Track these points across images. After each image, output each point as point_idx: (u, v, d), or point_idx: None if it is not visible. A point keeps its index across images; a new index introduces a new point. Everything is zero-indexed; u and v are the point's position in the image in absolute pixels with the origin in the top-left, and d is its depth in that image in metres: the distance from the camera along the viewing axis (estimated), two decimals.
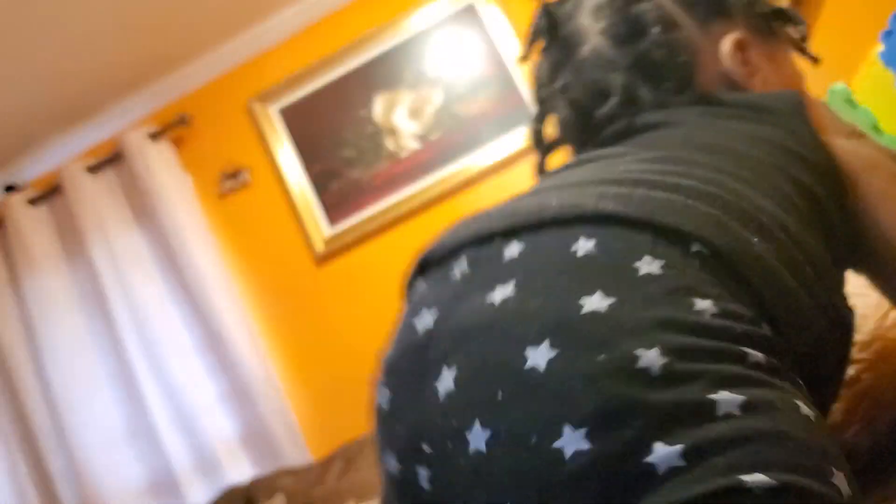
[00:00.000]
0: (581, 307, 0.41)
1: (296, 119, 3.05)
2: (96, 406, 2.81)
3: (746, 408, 0.38)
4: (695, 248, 0.44)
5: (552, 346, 0.40)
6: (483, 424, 0.40)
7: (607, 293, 0.41)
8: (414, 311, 0.50)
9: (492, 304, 0.45)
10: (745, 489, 0.36)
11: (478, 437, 0.40)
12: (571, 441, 0.37)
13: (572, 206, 0.46)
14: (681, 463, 0.37)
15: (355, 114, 3.02)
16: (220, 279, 2.88)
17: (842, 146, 0.59)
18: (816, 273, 0.49)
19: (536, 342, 0.40)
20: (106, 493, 2.67)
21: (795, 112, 0.60)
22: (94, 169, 3.06)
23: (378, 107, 3.01)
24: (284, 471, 2.53)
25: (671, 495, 0.36)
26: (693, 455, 0.37)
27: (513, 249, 0.47)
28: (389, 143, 2.98)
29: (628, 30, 0.72)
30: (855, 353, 0.66)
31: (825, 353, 0.49)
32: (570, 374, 0.39)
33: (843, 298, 0.54)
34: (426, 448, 0.44)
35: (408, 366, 0.48)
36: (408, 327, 0.50)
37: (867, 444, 0.67)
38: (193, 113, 3.10)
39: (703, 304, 0.42)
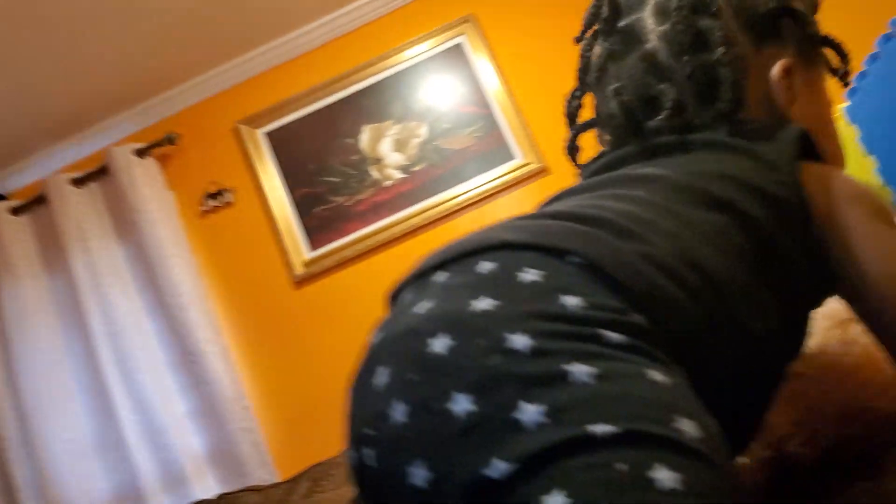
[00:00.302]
0: (471, 307, 0.53)
1: (282, 143, 3.11)
2: (67, 417, 2.80)
3: (598, 377, 0.48)
4: (571, 259, 0.55)
5: (450, 337, 0.51)
6: (401, 401, 0.52)
7: (492, 297, 0.53)
8: (374, 333, 0.63)
9: (414, 314, 0.57)
10: (592, 436, 0.45)
11: (398, 411, 0.51)
12: (462, 403, 0.49)
13: (486, 239, 0.59)
14: (543, 419, 0.47)
15: (342, 141, 3.09)
16: (197, 296, 2.91)
17: (825, 181, 0.65)
18: (709, 284, 0.57)
19: (438, 335, 0.52)
20: None
21: (783, 151, 0.65)
22: (79, 182, 3.08)
23: (365, 136, 3.08)
24: (251, 488, 2.54)
25: (533, 442, 0.46)
26: (552, 412, 0.47)
27: (440, 277, 0.60)
28: (374, 172, 3.05)
29: (692, 41, 0.72)
30: (801, 366, 0.71)
31: (712, 343, 0.57)
32: (461, 355, 0.51)
33: (766, 317, 0.59)
34: (368, 431, 0.54)
35: (362, 374, 0.59)
36: (368, 346, 0.62)
37: (812, 457, 0.71)
38: (181, 132, 3.15)
39: (572, 300, 0.53)
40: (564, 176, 2.96)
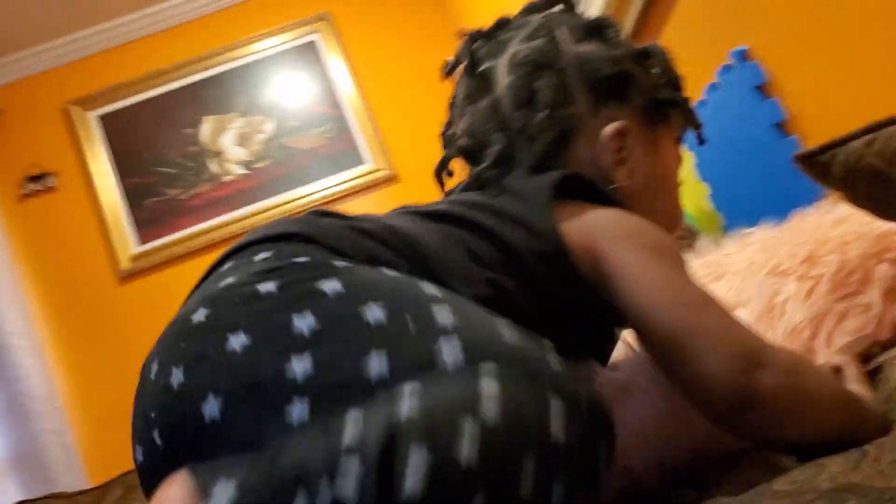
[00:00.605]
0: (224, 281, 0.58)
1: (116, 128, 2.93)
2: None
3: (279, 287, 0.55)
4: (295, 238, 0.62)
5: (203, 306, 0.56)
6: (172, 364, 0.54)
7: (234, 275, 0.58)
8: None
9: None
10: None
11: (177, 376, 0.53)
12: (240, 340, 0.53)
13: (265, 230, 0.65)
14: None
15: (181, 131, 2.94)
16: (10, 286, 2.70)
17: (583, 218, 0.68)
18: (413, 249, 0.63)
19: (199, 307, 0.56)
20: None
21: (541, 199, 0.70)
22: None
23: (206, 127, 2.95)
24: (56, 494, 2.36)
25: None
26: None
27: (227, 264, 0.64)
28: (213, 166, 2.92)
29: (528, 97, 0.78)
30: (641, 389, 0.71)
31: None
32: (213, 320, 0.54)
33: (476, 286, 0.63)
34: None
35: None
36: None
37: (659, 482, 0.71)
38: (3, 107, 2.92)
39: (301, 259, 0.58)
40: (415, 185, 2.94)
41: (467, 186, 0.82)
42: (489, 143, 0.80)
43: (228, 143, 2.94)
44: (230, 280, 0.57)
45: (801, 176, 1.27)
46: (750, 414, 0.55)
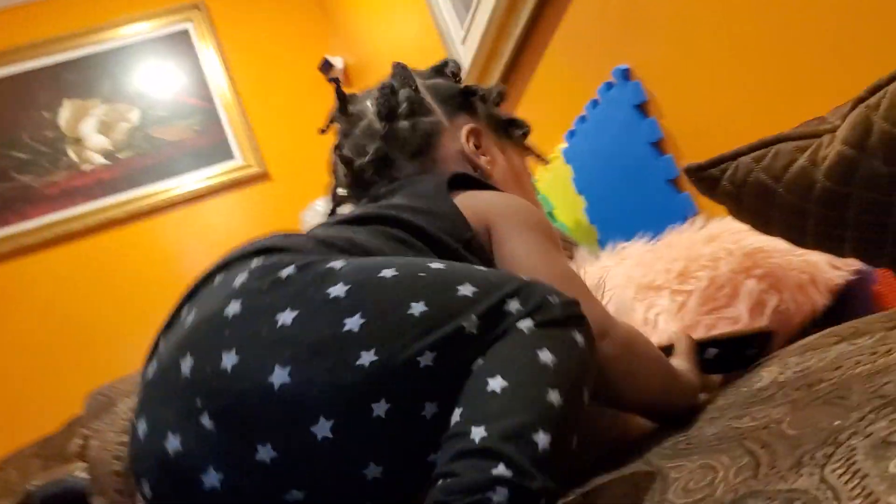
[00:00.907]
0: (237, 281, 0.62)
1: None
2: None
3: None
4: (273, 252, 0.66)
5: (233, 299, 0.60)
6: (220, 351, 0.57)
7: (240, 277, 0.62)
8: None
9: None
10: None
11: (228, 360, 0.57)
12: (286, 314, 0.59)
13: (240, 250, 0.68)
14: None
15: (37, 114, 2.76)
16: None
17: (475, 202, 0.82)
18: (355, 245, 0.71)
19: (229, 301, 0.60)
20: None
21: (439, 191, 0.84)
22: None
23: (65, 112, 2.78)
24: None
25: None
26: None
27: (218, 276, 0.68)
28: (72, 154, 2.75)
29: (389, 111, 0.95)
30: None
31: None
32: (252, 307, 0.59)
33: None
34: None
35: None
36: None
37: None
38: None
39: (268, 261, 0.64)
40: (285, 183, 2.88)
41: (356, 183, 0.96)
42: (366, 152, 0.95)
43: (89, 130, 2.78)
44: (242, 279, 0.61)
45: (673, 193, 1.33)
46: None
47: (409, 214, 0.78)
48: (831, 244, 0.67)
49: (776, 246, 0.99)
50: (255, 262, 0.64)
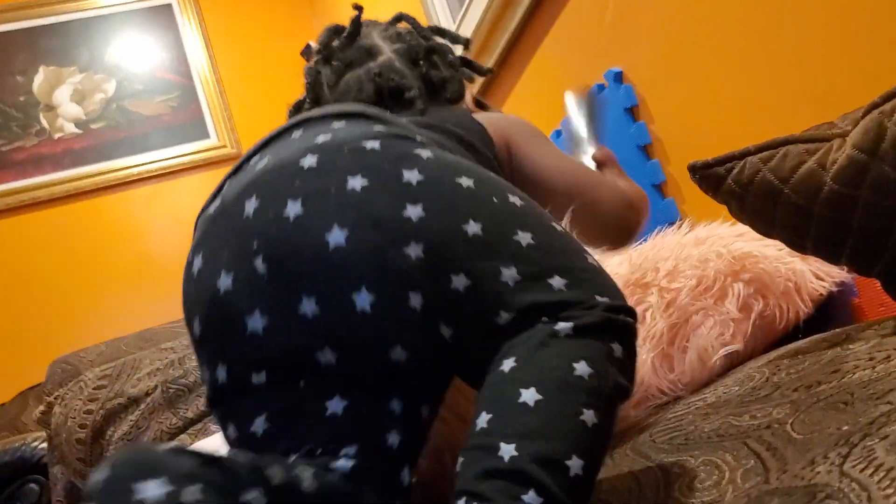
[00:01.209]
0: (319, 138, 0.64)
1: None
2: None
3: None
4: (362, 117, 0.70)
5: (311, 153, 0.61)
6: (286, 198, 0.60)
7: (322, 135, 0.65)
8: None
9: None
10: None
11: (293, 209, 0.60)
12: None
13: (330, 108, 0.72)
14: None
15: (11, 78, 2.69)
16: None
17: (495, 120, 0.93)
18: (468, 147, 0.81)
19: (305, 154, 0.62)
20: None
21: (468, 116, 0.92)
22: None
23: (40, 78, 2.72)
24: None
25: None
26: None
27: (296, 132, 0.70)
28: (44, 120, 2.69)
29: (423, 56, 0.99)
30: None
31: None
32: (328, 164, 0.61)
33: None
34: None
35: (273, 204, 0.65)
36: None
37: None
38: None
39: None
40: None
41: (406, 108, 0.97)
42: (407, 87, 0.96)
43: (64, 97, 2.72)
44: (325, 138, 0.63)
45: (658, 199, 1.34)
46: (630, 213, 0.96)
47: (458, 129, 0.83)
48: (830, 248, 0.67)
49: (765, 252, 0.99)
50: (338, 125, 0.66)
